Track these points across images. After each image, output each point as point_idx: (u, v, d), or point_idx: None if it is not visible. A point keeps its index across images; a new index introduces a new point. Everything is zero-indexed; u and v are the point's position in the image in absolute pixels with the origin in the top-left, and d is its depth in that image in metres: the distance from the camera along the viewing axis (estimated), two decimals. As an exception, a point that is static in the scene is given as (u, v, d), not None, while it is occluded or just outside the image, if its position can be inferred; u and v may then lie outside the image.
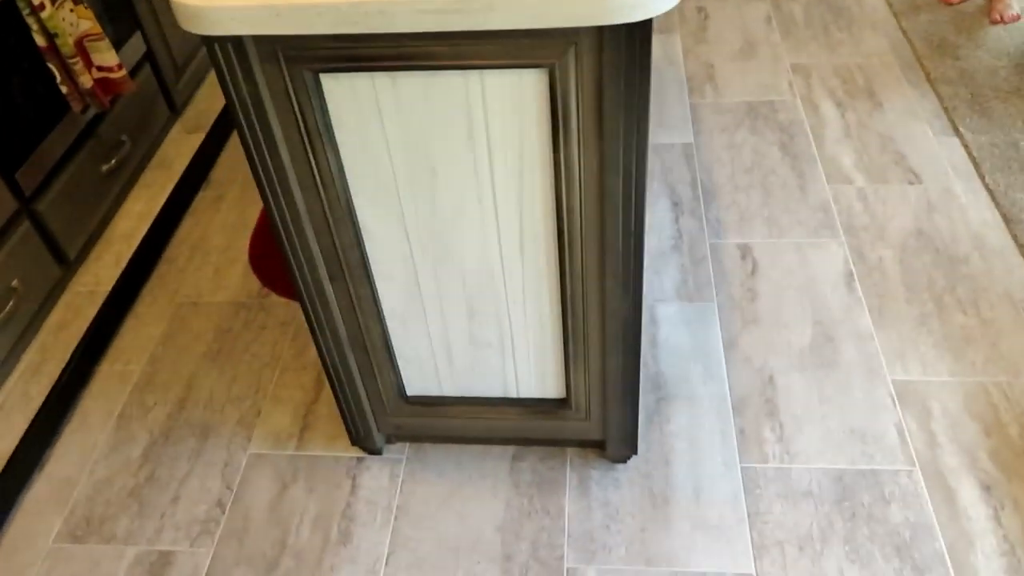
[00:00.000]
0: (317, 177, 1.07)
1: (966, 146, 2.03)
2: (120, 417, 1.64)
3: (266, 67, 0.96)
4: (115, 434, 1.61)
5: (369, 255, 1.18)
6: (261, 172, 1.06)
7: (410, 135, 1.02)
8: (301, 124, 1.01)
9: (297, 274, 1.19)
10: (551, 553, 1.37)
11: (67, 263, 1.86)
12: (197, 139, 2.29)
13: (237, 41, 0.93)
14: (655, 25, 2.65)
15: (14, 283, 1.67)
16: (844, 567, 1.31)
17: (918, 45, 2.37)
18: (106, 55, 1.79)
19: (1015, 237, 1.78)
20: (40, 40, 1.67)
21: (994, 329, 1.62)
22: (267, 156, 1.04)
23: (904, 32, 2.45)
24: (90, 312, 1.83)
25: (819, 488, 1.41)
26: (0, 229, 1.65)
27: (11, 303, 1.65)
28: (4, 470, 1.51)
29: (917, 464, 1.42)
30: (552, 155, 1.02)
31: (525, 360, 1.31)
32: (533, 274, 1.18)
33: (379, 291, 1.23)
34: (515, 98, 0.97)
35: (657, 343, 1.67)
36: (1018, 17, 2.39)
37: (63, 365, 1.70)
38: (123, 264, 1.91)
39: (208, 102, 2.44)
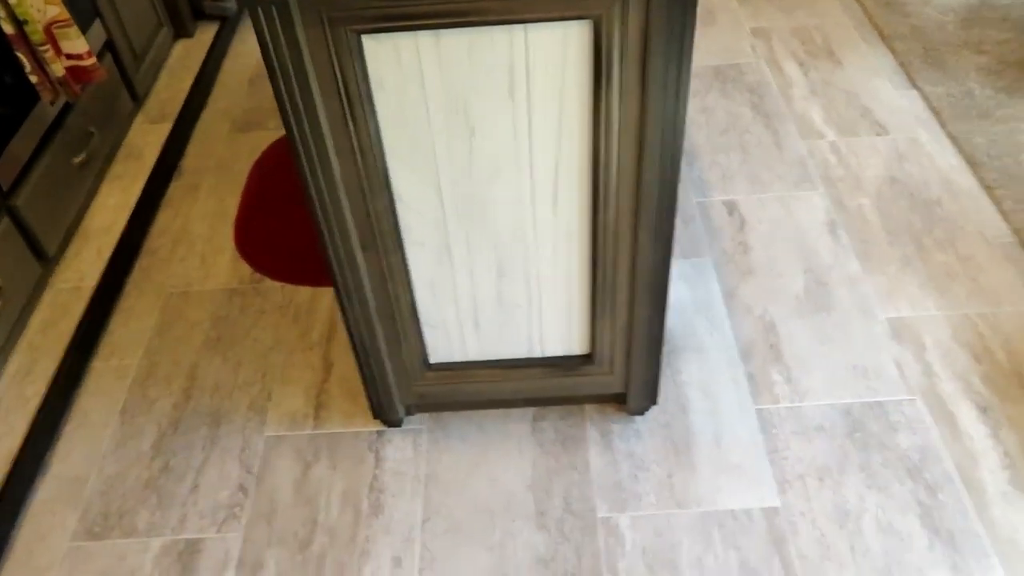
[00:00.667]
0: (355, 143, 1.06)
1: (925, 98, 2.13)
2: (123, 412, 1.60)
3: (309, 31, 0.95)
4: (120, 429, 1.57)
5: (401, 222, 1.18)
6: (299, 141, 1.05)
7: (450, 95, 1.03)
8: (342, 89, 1.00)
9: (329, 245, 1.18)
10: (584, 505, 1.40)
11: (47, 259, 1.79)
12: (163, 128, 2.22)
13: (282, 4, 0.92)
14: None
15: (-2, 281, 1.61)
16: (863, 493, 1.38)
17: (868, 4, 2.47)
18: (76, 42, 1.72)
19: (981, 179, 1.89)
20: (8, 27, 1.60)
21: (972, 265, 1.72)
22: (306, 125, 1.03)
23: (853, -7, 2.55)
24: (76, 309, 1.76)
25: (830, 423, 1.47)
26: (-20, 226, 1.58)
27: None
28: (10, 472, 1.46)
29: (918, 393, 1.50)
30: (592, 108, 1.04)
31: (552, 317, 1.33)
32: (564, 230, 1.20)
33: (409, 258, 1.23)
34: (559, 51, 0.99)
35: (659, 300, 1.71)
36: None
37: (56, 364, 1.64)
38: (105, 258, 1.85)
39: (169, 91, 2.37)
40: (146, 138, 2.20)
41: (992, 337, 1.58)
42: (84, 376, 1.67)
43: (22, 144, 1.69)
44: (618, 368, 1.40)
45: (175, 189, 2.09)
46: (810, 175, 1.96)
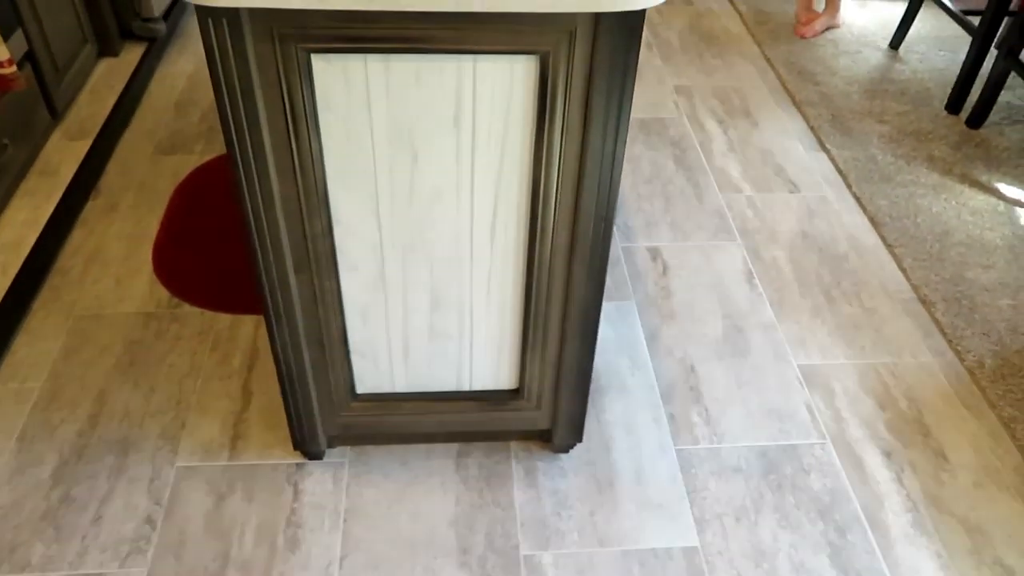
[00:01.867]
0: (297, 163, 1.05)
1: (833, 160, 2.27)
2: (21, 438, 1.50)
3: (259, 46, 0.95)
4: (17, 456, 1.47)
5: (338, 245, 1.17)
6: (239, 157, 1.03)
7: (396, 119, 1.04)
8: (287, 107, 1.00)
9: (262, 266, 1.16)
10: (506, 543, 1.39)
11: (-55, 274, 1.69)
12: (82, 146, 2.14)
13: (233, 15, 0.91)
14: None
15: None
16: (777, 533, 1.42)
17: (782, 71, 2.63)
18: (-5, 48, 1.66)
19: (883, 238, 2.01)
20: (-77, 27, 1.52)
21: (876, 317, 1.82)
22: (248, 140, 1.02)
23: (768, 60, 2.71)
24: (-25, 327, 1.66)
25: (747, 464, 1.52)
26: None
27: None
28: None
29: (828, 437, 1.57)
30: (535, 141, 1.07)
31: (483, 351, 1.34)
32: (501, 262, 1.21)
33: (343, 283, 1.22)
34: (505, 84, 1.01)
35: (584, 339, 1.74)
36: (818, 33, 2.73)
37: (-52, 384, 1.54)
38: (11, 275, 1.75)
39: (91, 107, 2.29)
40: (63, 154, 2.11)
41: (895, 385, 1.67)
42: (-22, 399, 1.56)
43: (-73, 151, 1.60)
44: (545, 404, 1.41)
45: (91, 208, 2.01)
46: (728, 226, 2.05)
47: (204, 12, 0.90)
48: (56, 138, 2.16)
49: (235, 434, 1.53)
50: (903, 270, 1.93)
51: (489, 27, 0.95)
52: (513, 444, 1.53)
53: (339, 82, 1.00)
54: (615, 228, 2.03)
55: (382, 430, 1.45)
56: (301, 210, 1.11)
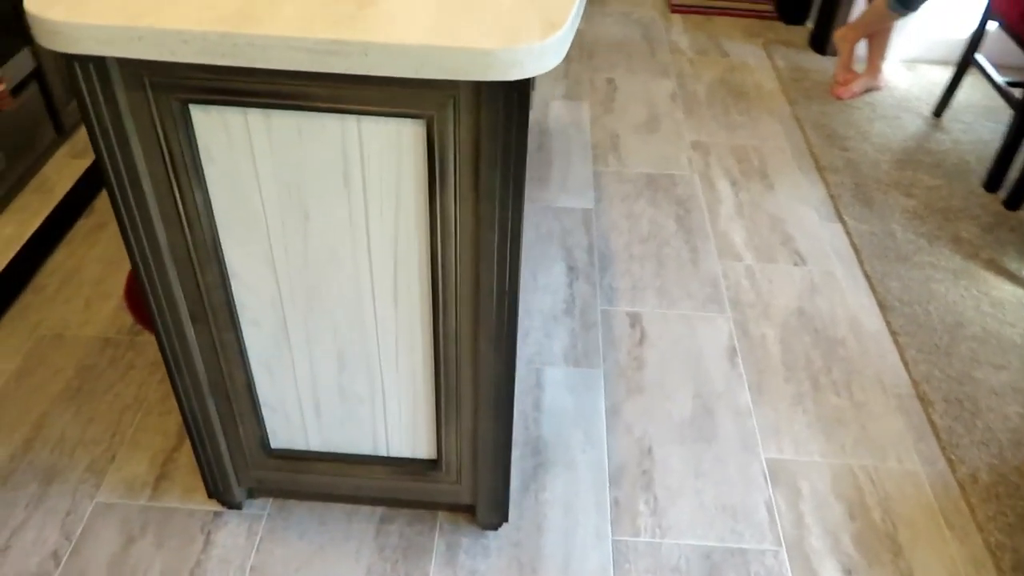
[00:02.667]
0: (182, 213, 1.01)
1: (848, 232, 2.12)
2: (-46, 456, 1.50)
3: (130, 93, 0.91)
4: (-54, 475, 1.47)
5: (236, 298, 1.12)
6: (120, 203, 1.00)
7: (283, 175, 0.99)
8: (166, 156, 0.96)
9: (156, 313, 1.12)
10: (411, 623, 1.30)
11: (-85, 285, 1.72)
12: (83, 164, 2.18)
13: (100, 62, 0.88)
14: (564, 92, 2.71)
15: None
16: (707, 646, 1.29)
17: (810, 133, 2.49)
18: (-16, 68, 1.69)
19: (889, 323, 1.86)
20: (-91, 45, 1.57)
21: (865, 412, 1.67)
22: (128, 187, 0.98)
23: (798, 120, 2.58)
24: (-64, 339, 1.68)
25: (687, 565, 1.39)
26: None
27: None
28: None
29: (783, 544, 1.43)
30: (428, 208, 1.00)
31: (396, 417, 1.27)
32: (407, 328, 1.14)
33: (244, 337, 1.17)
34: (393, 146, 0.95)
35: (541, 407, 1.64)
36: (856, 94, 2.56)
37: None
38: (-20, 290, 1.78)
39: (100, 127, 2.33)
40: (62, 172, 2.15)
41: (871, 492, 1.52)
42: (-74, 412, 1.58)
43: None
44: (466, 478, 1.33)
45: (80, 228, 2.03)
46: (720, 297, 1.93)
47: (68, 58, 0.87)
48: (59, 156, 2.20)
49: (161, 473, 1.49)
50: (905, 362, 1.77)
51: (365, 87, 0.89)
52: (441, 514, 1.45)
53: (220, 134, 0.95)
54: (598, 289, 1.93)
55: (300, 488, 1.39)
56: (191, 260, 1.07)
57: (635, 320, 1.86)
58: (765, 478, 1.53)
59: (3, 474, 1.48)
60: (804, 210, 2.22)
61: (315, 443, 1.33)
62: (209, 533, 1.40)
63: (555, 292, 1.92)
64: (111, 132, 0.94)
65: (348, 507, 1.45)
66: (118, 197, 0.99)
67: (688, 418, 1.64)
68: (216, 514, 1.43)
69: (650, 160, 2.39)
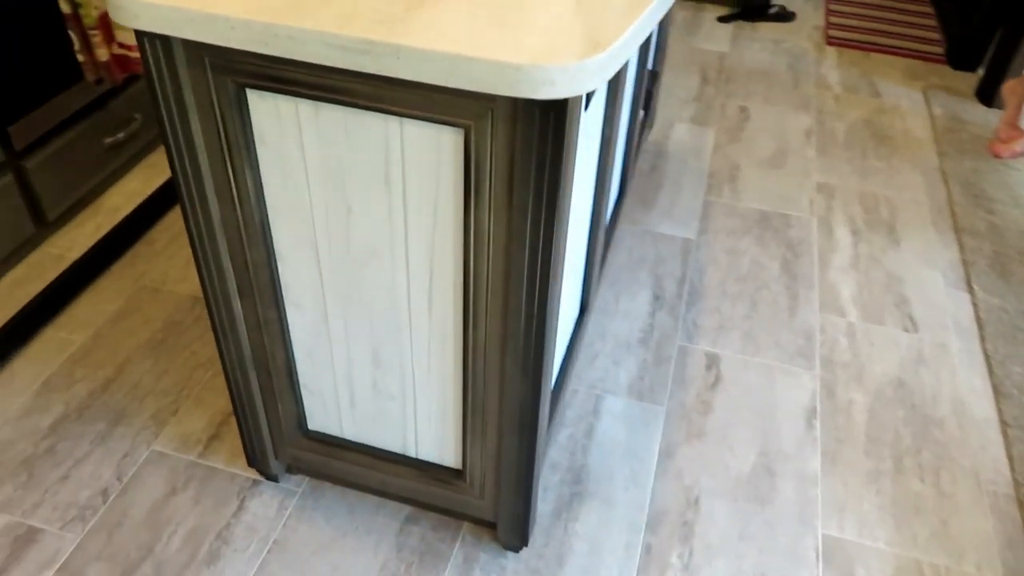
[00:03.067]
0: (234, 190, 1.04)
1: (975, 304, 1.92)
2: (44, 384, 1.63)
3: (192, 71, 0.94)
4: (34, 400, 1.60)
5: (281, 279, 1.15)
6: (179, 174, 1.04)
7: (329, 168, 1.00)
8: (222, 134, 0.99)
9: (206, 282, 1.16)
10: (413, 629, 1.29)
11: (45, 223, 1.88)
12: (214, 131, 2.31)
13: (165, 39, 0.92)
14: (692, 115, 2.61)
15: (-19, 230, 1.69)
16: None
17: (954, 190, 2.28)
18: (130, 34, 1.82)
19: (1000, 412, 1.66)
20: (64, 7, 1.71)
21: (949, 505, 1.50)
22: (186, 160, 1.02)
23: (943, 174, 2.36)
24: (52, 275, 1.84)
25: (711, 630, 1.30)
26: (-19, 176, 1.68)
27: (-28, 249, 1.67)
28: (-88, 410, 1.51)
29: (823, 630, 1.31)
30: (464, 219, 0.98)
31: (426, 420, 1.26)
32: (439, 335, 1.13)
33: (288, 317, 1.20)
34: (432, 152, 0.94)
35: (593, 435, 1.59)
36: (1018, 155, 2.29)
37: (5, 321, 1.70)
38: (99, 236, 1.93)
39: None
40: (195, 137, 2.29)
41: (936, 593, 1.36)
42: (31, 339, 1.72)
43: (51, 113, 1.80)
44: (489, 495, 1.30)
45: (199, 190, 2.16)
46: (811, 351, 1.79)
47: (138, 31, 0.92)
48: (195, 121, 2.35)
49: (215, 434, 1.55)
50: (1010, 457, 1.58)
51: (406, 90, 0.88)
52: (466, 525, 1.43)
53: (273, 119, 0.97)
54: (680, 323, 1.85)
55: (333, 473, 1.41)
56: (241, 236, 1.10)
57: (712, 361, 1.76)
58: (817, 555, 1.41)
59: (81, 408, 1.59)
60: (929, 273, 2.03)
61: (349, 432, 1.34)
62: (244, 499, 1.45)
63: (634, 319, 1.85)
64: (173, 106, 0.98)
65: (378, 500, 1.45)
66: (176, 168, 1.04)
67: (746, 475, 1.53)
68: (255, 482, 1.48)
69: (767, 196, 2.26)
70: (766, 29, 3.24)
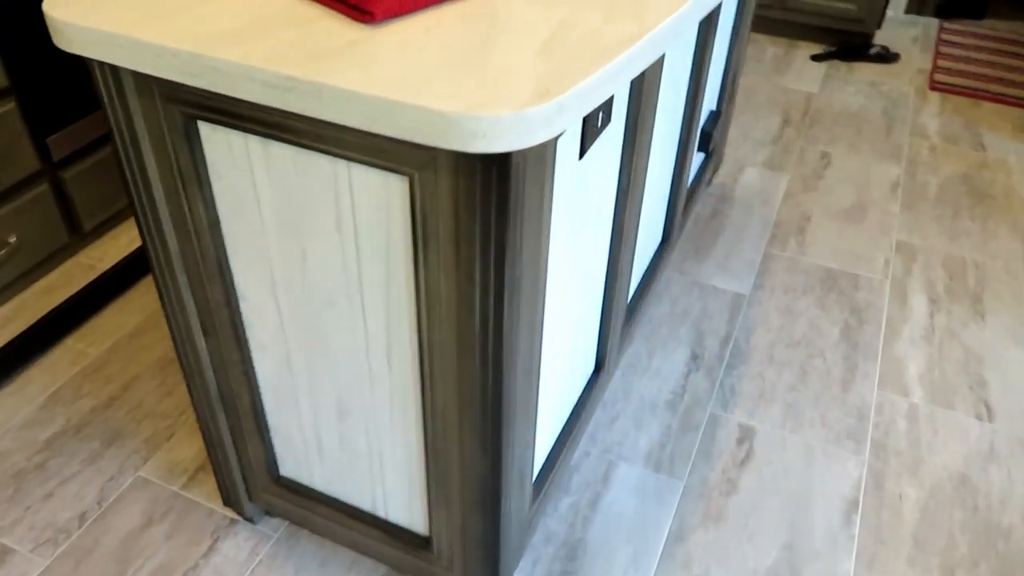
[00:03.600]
0: (190, 223, 0.98)
1: (1065, 396, 1.67)
2: (52, 396, 1.62)
3: (142, 99, 0.88)
4: (38, 411, 1.59)
5: (244, 319, 1.08)
6: (136, 204, 0.99)
7: (283, 208, 0.92)
8: (175, 165, 0.93)
9: (170, 319, 1.10)
10: None
11: (80, 233, 1.89)
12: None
13: (112, 65, 0.86)
14: (766, 158, 2.43)
15: (12, 239, 1.71)
16: None
17: (1056, 261, 2.02)
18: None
19: (1081, 527, 1.42)
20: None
21: (1004, 635, 1.28)
22: (141, 190, 0.97)
23: (1046, 242, 2.10)
24: (81, 284, 1.84)
25: None
26: (15, 185, 1.69)
27: (2, 253, 1.69)
28: (-80, 412, 1.52)
29: None
30: (413, 276, 0.88)
31: (394, 482, 1.16)
32: (400, 394, 1.02)
33: (253, 358, 1.12)
34: (382, 200, 0.84)
35: (597, 506, 1.45)
36: None
37: (27, 327, 1.71)
38: (132, 249, 1.93)
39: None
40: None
41: None
42: (52, 348, 1.72)
43: (88, 127, 1.81)
44: (457, 569, 1.18)
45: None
46: (862, 433, 1.59)
47: (88, 61, 0.86)
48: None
49: (203, 464, 1.50)
50: (1089, 584, 1.34)
51: (347, 131, 0.78)
52: (444, 594, 1.31)
53: (225, 153, 0.90)
54: (716, 388, 1.68)
55: (306, 521, 1.33)
56: (200, 273, 1.03)
57: (746, 435, 1.59)
58: None
59: (80, 424, 1.57)
60: (1016, 354, 1.78)
61: (319, 483, 1.25)
62: (217, 539, 1.38)
63: (665, 379, 1.70)
64: (126, 134, 0.92)
65: (353, 555, 1.36)
66: (133, 197, 0.98)
67: (765, 571, 1.36)
68: (232, 521, 1.41)
69: (837, 253, 2.06)
70: (864, 70, 3.01)
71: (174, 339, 1.13)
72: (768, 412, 1.64)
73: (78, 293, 1.78)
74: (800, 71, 2.98)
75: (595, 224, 1.19)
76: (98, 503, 1.43)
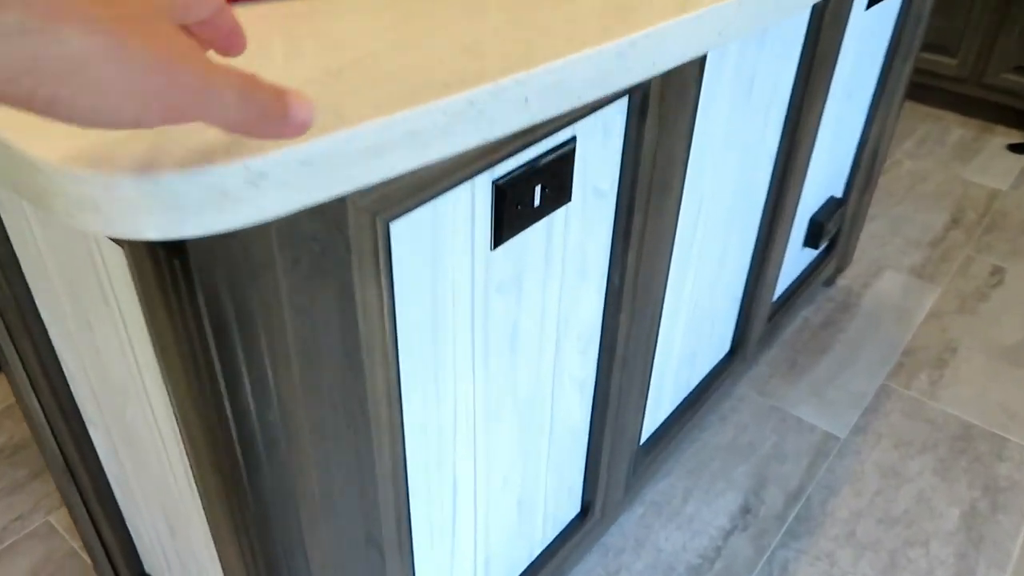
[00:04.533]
0: (-11, 267, 0.76)
1: None
2: (7, 408, 1.49)
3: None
4: (-6, 422, 1.46)
5: (75, 391, 0.85)
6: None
7: (63, 269, 0.68)
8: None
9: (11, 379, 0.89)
10: None
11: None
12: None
13: None
14: (916, 262, 1.94)
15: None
16: None
17: None
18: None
19: None
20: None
21: None
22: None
23: None
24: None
25: None
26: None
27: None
28: None
29: None
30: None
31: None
32: (212, 521, 0.75)
33: (91, 432, 0.89)
34: (129, 278, 0.57)
35: None
36: None
37: None
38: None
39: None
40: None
41: None
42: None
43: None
44: None
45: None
46: None
47: None
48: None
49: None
50: None
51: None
52: None
53: (5, 199, 0.67)
54: (762, 559, 1.26)
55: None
56: (7, 324, 0.81)
57: (784, 641, 1.16)
58: None
59: (19, 446, 1.42)
60: None
61: (178, 597, 1.00)
62: (94, 623, 1.16)
63: (699, 533, 1.30)
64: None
65: None
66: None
67: None
68: (120, 604, 1.18)
69: (984, 405, 1.56)
70: (1078, 168, 2.41)
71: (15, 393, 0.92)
72: (825, 613, 1.20)
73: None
74: (989, 162, 2.43)
75: (533, 328, 0.86)
76: (-7, 546, 1.26)
